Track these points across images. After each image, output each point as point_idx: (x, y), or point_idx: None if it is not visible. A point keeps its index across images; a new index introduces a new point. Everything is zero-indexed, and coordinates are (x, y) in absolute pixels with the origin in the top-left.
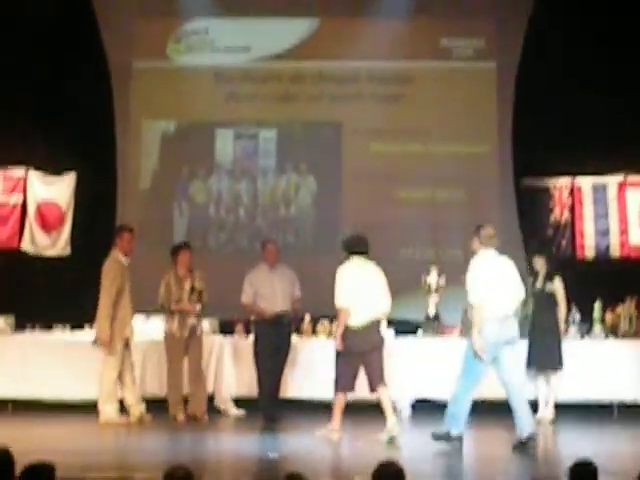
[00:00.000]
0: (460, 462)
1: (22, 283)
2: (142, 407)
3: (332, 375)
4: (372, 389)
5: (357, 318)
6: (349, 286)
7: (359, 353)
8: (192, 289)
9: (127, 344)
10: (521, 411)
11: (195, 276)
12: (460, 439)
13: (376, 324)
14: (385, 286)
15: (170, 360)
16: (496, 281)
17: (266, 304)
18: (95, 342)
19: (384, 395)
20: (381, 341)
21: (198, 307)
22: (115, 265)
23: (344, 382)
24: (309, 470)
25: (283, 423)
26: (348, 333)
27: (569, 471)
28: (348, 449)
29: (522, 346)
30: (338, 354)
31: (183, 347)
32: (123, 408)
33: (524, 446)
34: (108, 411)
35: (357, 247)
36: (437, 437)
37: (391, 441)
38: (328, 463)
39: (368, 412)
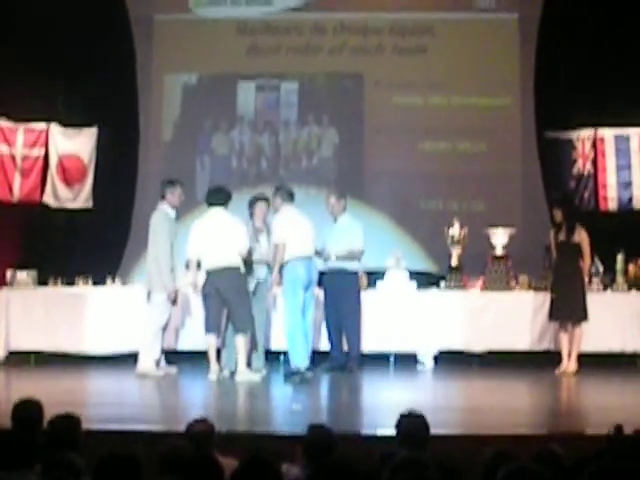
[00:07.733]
0: (479, 413)
1: (44, 237)
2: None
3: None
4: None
5: (206, 263)
6: (197, 235)
7: (213, 295)
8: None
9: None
10: (301, 346)
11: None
12: (308, 371)
13: (226, 270)
14: (237, 235)
15: None
16: (299, 228)
17: None
18: (149, 298)
19: (238, 341)
20: (231, 287)
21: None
22: (165, 219)
23: (208, 323)
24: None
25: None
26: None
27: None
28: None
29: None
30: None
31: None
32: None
33: (293, 376)
34: (146, 362)
35: (211, 199)
36: (287, 377)
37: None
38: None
39: None
